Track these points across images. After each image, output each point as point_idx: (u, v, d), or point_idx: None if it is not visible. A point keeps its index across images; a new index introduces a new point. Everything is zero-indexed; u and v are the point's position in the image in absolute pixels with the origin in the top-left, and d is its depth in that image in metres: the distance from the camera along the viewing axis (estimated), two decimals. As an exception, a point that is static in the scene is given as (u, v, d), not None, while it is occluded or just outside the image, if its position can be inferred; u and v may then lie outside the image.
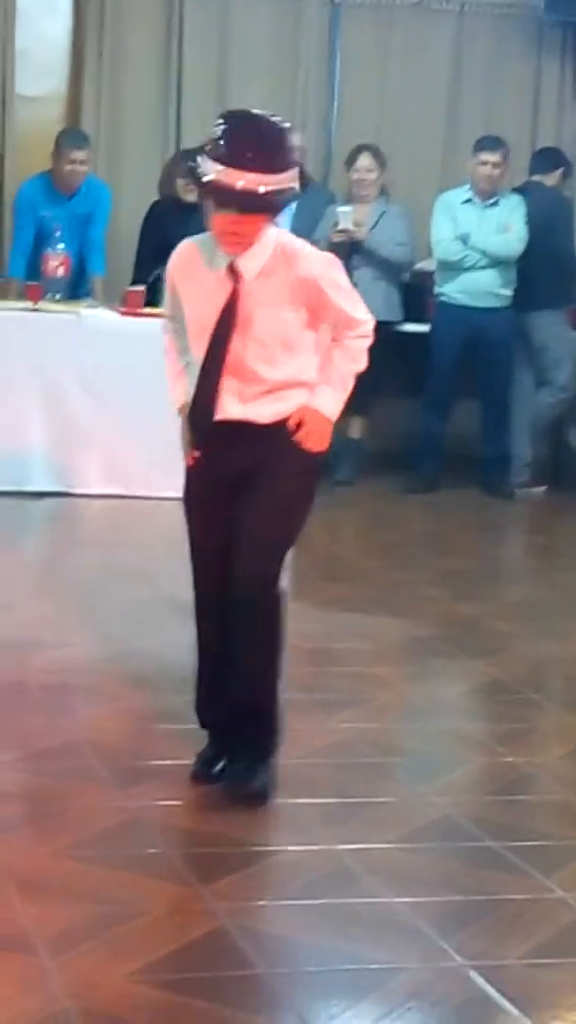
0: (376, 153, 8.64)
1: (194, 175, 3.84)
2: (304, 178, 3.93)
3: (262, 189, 3.75)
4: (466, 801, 4.07)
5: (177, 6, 9.16)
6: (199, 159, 3.82)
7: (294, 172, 3.84)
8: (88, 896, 3.36)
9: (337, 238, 8.39)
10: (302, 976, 3.10)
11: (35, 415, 7.70)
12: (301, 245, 3.99)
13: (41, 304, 7.83)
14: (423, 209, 8.73)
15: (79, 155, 8.25)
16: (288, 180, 3.81)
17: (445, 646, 5.59)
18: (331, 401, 3.97)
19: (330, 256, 4.09)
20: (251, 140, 3.82)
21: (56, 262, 8.07)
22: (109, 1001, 2.93)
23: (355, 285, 8.95)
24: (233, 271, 3.87)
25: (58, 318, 7.80)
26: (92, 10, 9.06)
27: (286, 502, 3.96)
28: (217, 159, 3.76)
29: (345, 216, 8.41)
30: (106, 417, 7.73)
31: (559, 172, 8.87)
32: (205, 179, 3.76)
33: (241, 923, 3.27)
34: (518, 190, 8.73)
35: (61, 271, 8.08)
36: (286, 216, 8.64)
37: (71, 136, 8.46)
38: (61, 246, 8.08)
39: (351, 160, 8.66)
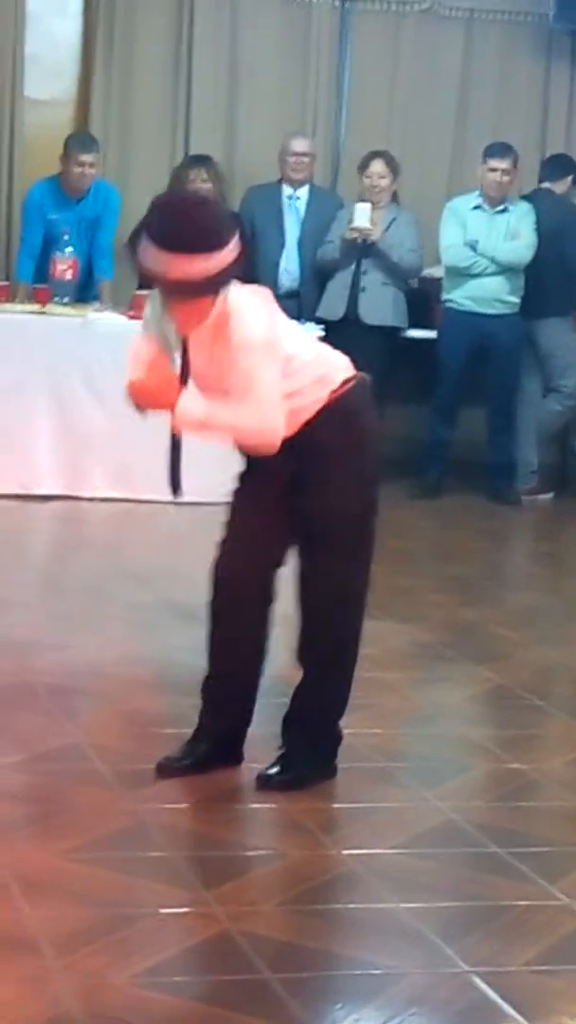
0: (389, 160, 8.63)
1: (135, 262, 3.87)
2: (245, 243, 3.92)
3: (199, 276, 3.78)
4: (470, 807, 4.07)
5: (187, 10, 9.16)
6: (141, 242, 3.86)
7: (232, 245, 3.84)
8: (92, 898, 3.36)
9: (351, 235, 8.39)
10: (305, 981, 3.10)
11: (42, 418, 7.70)
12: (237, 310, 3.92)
13: (49, 307, 7.84)
14: (431, 215, 8.73)
15: (87, 158, 8.25)
16: (227, 257, 3.82)
17: (450, 652, 5.59)
18: (193, 404, 3.88)
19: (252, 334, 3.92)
20: (182, 224, 3.83)
21: (64, 265, 8.07)
22: (113, 1004, 2.93)
23: (363, 289, 9.00)
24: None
25: (66, 321, 7.80)
26: (102, 13, 9.07)
27: None
28: (153, 243, 3.80)
29: (362, 213, 8.38)
30: (113, 421, 7.71)
31: (569, 179, 8.86)
32: (145, 269, 3.82)
33: (244, 927, 3.27)
34: (527, 197, 8.73)
35: (69, 274, 8.08)
36: (295, 220, 8.68)
37: (79, 139, 8.47)
38: (69, 249, 8.08)
39: (364, 166, 8.65)
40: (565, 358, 8.72)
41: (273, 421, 3.85)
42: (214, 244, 3.80)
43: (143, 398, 3.95)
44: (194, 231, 3.82)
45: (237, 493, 4.15)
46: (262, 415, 3.84)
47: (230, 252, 3.84)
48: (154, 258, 3.80)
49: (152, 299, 4.05)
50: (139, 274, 3.95)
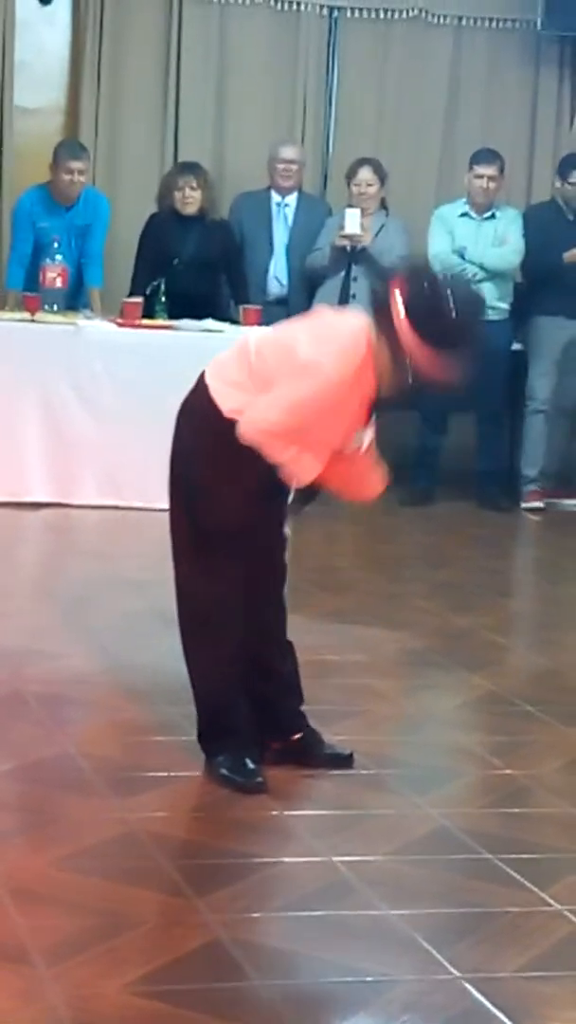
0: (377, 167, 8.64)
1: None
2: None
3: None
4: (462, 813, 4.07)
5: (176, 18, 9.17)
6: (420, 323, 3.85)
7: None
8: (84, 907, 3.36)
9: (341, 242, 8.37)
10: (297, 988, 3.10)
11: (32, 426, 7.70)
12: None
13: (39, 315, 7.84)
14: (420, 222, 8.74)
15: (77, 165, 8.26)
16: None
17: (440, 658, 5.59)
18: None
19: None
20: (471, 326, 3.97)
21: (54, 273, 8.07)
22: (105, 1012, 2.93)
23: (354, 296, 8.97)
24: None
25: (56, 329, 7.81)
26: (91, 22, 9.08)
27: None
28: (449, 348, 3.87)
29: (352, 218, 8.36)
30: (103, 428, 7.73)
31: (560, 181, 8.80)
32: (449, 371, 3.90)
33: (236, 935, 3.27)
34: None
35: (59, 282, 8.08)
36: (284, 227, 8.68)
37: (69, 147, 8.47)
38: (59, 257, 8.09)
39: (352, 173, 8.65)
40: (532, 357, 8.76)
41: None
42: None
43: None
44: None
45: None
46: None
47: None
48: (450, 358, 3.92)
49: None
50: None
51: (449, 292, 3.87)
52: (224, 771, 4.12)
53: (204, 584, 4.10)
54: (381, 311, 3.89)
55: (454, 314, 3.84)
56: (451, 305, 3.84)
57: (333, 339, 3.94)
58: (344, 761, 4.29)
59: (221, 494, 4.04)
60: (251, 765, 4.12)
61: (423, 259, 4.15)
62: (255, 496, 4.06)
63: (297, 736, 4.27)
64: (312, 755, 4.26)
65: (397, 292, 3.87)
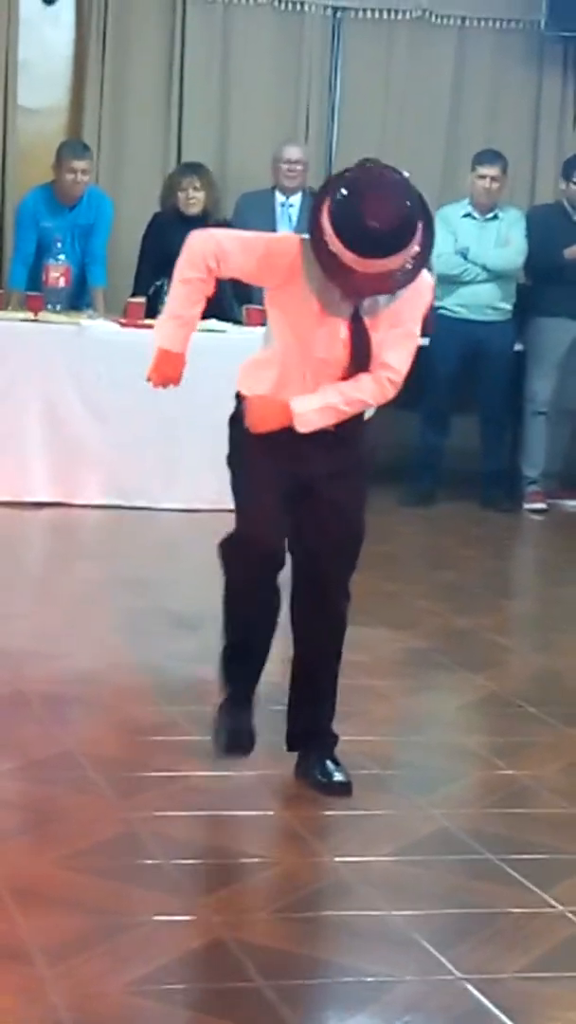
0: (379, 166, 8.62)
1: (328, 254, 3.79)
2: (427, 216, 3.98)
3: (407, 266, 3.87)
4: (464, 814, 4.07)
5: (179, 18, 9.17)
6: (326, 222, 3.77)
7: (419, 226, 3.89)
8: (86, 906, 3.36)
9: None
10: (298, 988, 3.10)
11: (35, 425, 7.70)
12: None
13: (42, 315, 7.84)
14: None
15: (80, 165, 8.26)
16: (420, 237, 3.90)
17: (442, 659, 5.59)
18: (307, 403, 3.94)
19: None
20: (390, 223, 3.78)
21: (57, 273, 8.07)
22: (106, 1012, 2.93)
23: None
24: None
25: (59, 329, 7.81)
26: (95, 22, 9.08)
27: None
28: (352, 247, 3.75)
29: None
30: (105, 428, 7.73)
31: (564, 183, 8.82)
32: (347, 270, 3.78)
33: (238, 935, 3.27)
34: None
35: (62, 282, 8.08)
36: (288, 228, 8.68)
37: (72, 146, 8.48)
38: (62, 257, 8.09)
39: (354, 173, 8.64)
40: (533, 359, 8.77)
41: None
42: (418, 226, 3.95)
43: (262, 415, 3.98)
44: (411, 223, 3.93)
45: (259, 461, 4.02)
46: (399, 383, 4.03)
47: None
48: (368, 265, 3.79)
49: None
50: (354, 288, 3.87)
51: (362, 199, 3.77)
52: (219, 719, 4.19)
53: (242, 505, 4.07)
54: (312, 219, 3.84)
55: (373, 220, 3.76)
56: (370, 210, 3.76)
57: None
58: (337, 789, 4.15)
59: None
60: (242, 725, 4.16)
61: (369, 163, 4.01)
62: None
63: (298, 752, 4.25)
64: (306, 776, 4.21)
65: (327, 199, 3.81)
